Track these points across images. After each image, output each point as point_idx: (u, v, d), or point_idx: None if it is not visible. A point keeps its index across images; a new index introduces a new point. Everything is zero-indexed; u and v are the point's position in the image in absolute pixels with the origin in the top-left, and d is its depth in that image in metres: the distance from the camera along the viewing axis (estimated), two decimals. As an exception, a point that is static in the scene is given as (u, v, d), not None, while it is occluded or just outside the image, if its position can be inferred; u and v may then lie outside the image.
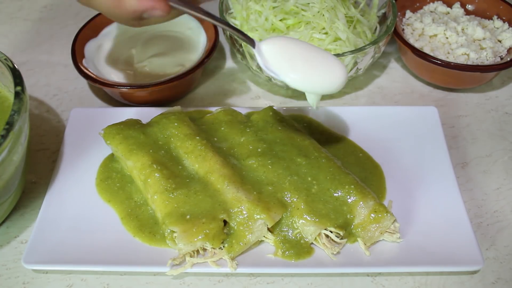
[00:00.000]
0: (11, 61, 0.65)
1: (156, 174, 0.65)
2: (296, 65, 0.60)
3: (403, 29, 0.91)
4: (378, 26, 0.86)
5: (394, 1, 0.84)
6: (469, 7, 0.95)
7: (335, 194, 0.64)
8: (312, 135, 0.74)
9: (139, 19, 0.53)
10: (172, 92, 0.83)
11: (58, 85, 0.90)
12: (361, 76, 0.90)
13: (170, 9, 0.53)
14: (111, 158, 0.73)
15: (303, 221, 0.62)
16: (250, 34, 0.82)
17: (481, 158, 0.77)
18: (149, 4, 0.51)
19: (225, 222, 0.62)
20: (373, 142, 0.75)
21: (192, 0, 0.58)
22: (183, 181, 0.65)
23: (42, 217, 0.66)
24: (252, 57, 0.80)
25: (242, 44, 0.78)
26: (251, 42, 0.61)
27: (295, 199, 0.64)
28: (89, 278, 0.63)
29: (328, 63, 0.61)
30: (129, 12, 0.52)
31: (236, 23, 0.85)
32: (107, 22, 0.91)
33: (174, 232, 0.61)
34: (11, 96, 0.66)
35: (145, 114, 0.78)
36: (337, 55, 0.75)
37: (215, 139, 0.71)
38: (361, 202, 0.63)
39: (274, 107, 0.76)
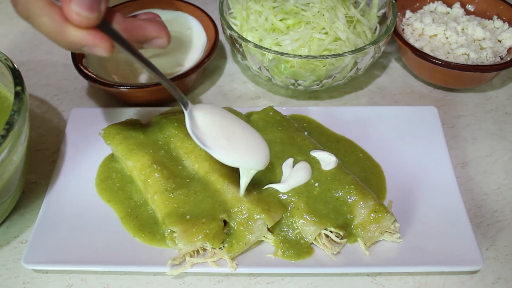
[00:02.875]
0: (11, 61, 0.65)
1: (156, 174, 0.65)
2: (226, 143, 0.58)
3: (403, 29, 0.91)
4: (378, 26, 0.86)
5: (394, 1, 0.84)
6: (469, 7, 0.95)
7: (335, 194, 0.64)
8: (312, 135, 0.74)
9: (78, 50, 0.51)
10: (172, 92, 0.83)
11: (58, 85, 0.90)
12: (361, 76, 0.90)
13: (114, 50, 0.51)
14: (111, 158, 0.73)
15: (303, 221, 0.62)
16: (250, 34, 0.82)
17: (481, 158, 0.77)
18: (93, 41, 0.49)
19: (225, 222, 0.62)
20: (373, 142, 0.75)
21: (137, 42, 0.55)
22: (183, 181, 0.65)
23: (42, 217, 0.66)
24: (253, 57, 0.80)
25: (242, 44, 0.78)
26: (184, 103, 0.58)
27: (295, 199, 0.64)
28: (89, 278, 0.63)
29: (255, 143, 0.60)
30: (70, 42, 0.49)
31: (236, 23, 0.85)
32: (107, 22, 0.91)
33: (174, 232, 0.61)
34: (11, 96, 0.66)
35: (145, 114, 0.78)
36: (337, 55, 0.75)
37: (215, 139, 0.71)
38: (361, 202, 0.63)
39: (274, 107, 0.76)
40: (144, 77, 0.83)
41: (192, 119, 0.58)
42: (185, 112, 0.58)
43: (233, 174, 0.65)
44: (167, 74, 0.83)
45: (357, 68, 0.80)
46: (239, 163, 0.59)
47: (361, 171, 0.71)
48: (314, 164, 0.67)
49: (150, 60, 0.84)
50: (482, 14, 0.93)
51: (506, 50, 0.87)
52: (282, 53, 0.75)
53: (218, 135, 0.58)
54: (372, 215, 0.62)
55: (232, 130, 0.59)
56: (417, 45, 0.87)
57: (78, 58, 0.82)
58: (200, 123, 0.58)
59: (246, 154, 0.59)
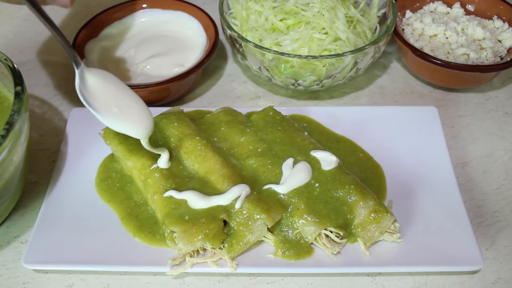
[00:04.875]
0: (11, 61, 0.65)
1: (156, 174, 0.65)
2: (116, 111, 0.60)
3: (403, 29, 0.91)
4: (378, 26, 0.86)
5: (394, 1, 0.84)
6: (469, 7, 0.95)
7: (335, 194, 0.64)
8: (312, 135, 0.74)
9: None
10: (172, 92, 0.83)
11: (58, 85, 0.90)
12: (361, 76, 0.90)
13: None
14: (111, 158, 0.73)
15: (303, 221, 0.62)
16: (250, 35, 0.82)
17: (481, 158, 0.77)
18: None
19: (225, 222, 0.62)
20: (373, 142, 0.75)
21: None
22: (183, 181, 0.65)
23: (42, 217, 0.66)
24: (253, 57, 0.80)
25: (242, 44, 0.78)
26: (77, 63, 0.60)
27: (295, 200, 0.64)
28: (89, 278, 0.63)
29: (144, 115, 0.61)
30: None
31: (236, 23, 0.85)
32: (107, 22, 0.92)
33: (174, 232, 0.61)
34: (11, 96, 0.66)
35: (145, 114, 0.78)
36: (337, 55, 0.75)
37: (215, 139, 0.71)
38: (361, 202, 0.63)
39: (274, 107, 0.76)
40: (144, 77, 0.83)
41: (83, 80, 0.60)
42: (76, 71, 0.60)
43: (233, 174, 0.65)
44: (167, 74, 0.83)
45: (357, 68, 0.80)
46: (124, 131, 0.61)
47: (361, 171, 0.71)
48: (314, 164, 0.67)
49: (151, 59, 0.85)
50: (482, 14, 0.93)
51: (506, 50, 0.87)
52: (282, 53, 0.75)
53: (109, 101, 0.60)
54: (372, 215, 0.62)
55: (124, 100, 0.61)
56: (417, 45, 0.87)
57: (78, 58, 0.82)
58: (91, 85, 0.60)
59: (134, 125, 0.61)
